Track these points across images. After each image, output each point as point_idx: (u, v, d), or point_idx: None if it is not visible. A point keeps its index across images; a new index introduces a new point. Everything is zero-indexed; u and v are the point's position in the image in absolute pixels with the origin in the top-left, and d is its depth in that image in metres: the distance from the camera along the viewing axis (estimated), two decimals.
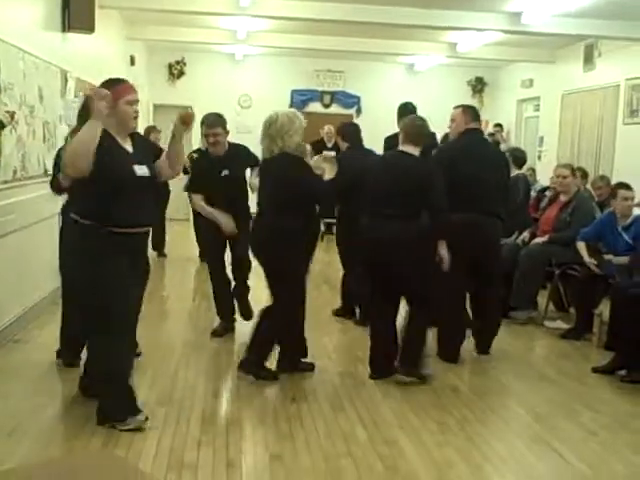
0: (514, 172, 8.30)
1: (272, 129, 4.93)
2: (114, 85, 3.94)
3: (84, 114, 4.25)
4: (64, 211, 4.78)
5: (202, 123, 5.85)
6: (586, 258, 6.43)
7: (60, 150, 5.02)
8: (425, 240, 4.98)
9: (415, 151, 5.10)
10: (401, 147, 5.17)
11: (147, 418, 4.10)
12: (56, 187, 4.97)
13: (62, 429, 4.08)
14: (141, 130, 10.39)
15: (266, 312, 5.07)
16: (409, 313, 5.17)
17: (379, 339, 5.20)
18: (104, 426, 4.04)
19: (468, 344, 5.83)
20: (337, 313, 6.94)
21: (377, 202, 5.05)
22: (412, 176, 4.96)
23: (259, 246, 5.03)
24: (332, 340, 6.16)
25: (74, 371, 4.85)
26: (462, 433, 4.29)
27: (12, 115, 4.99)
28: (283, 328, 5.06)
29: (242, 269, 6.08)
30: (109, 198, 3.87)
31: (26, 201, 6.11)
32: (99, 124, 3.76)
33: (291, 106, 14.87)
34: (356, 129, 6.95)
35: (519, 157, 8.19)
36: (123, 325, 4.02)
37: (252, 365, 5.02)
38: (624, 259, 6.23)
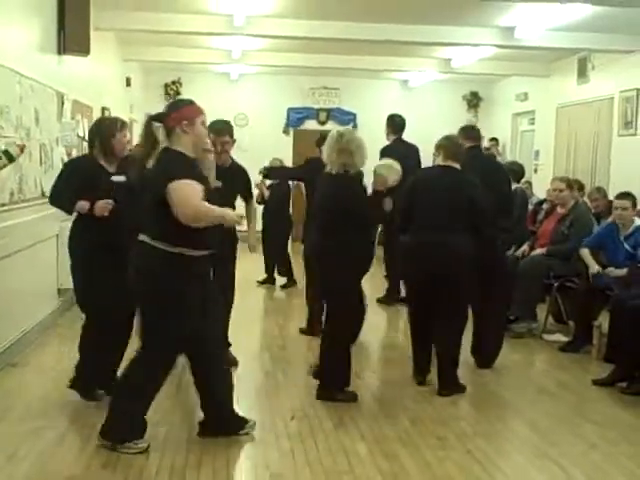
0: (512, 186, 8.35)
1: (353, 145, 4.91)
2: (188, 105, 4.11)
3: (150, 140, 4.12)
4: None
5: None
6: (592, 265, 6.44)
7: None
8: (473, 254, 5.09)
9: (458, 167, 5.26)
10: (445, 163, 5.28)
11: (149, 445, 4.09)
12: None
13: (62, 452, 4.05)
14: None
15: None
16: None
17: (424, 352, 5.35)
18: (104, 443, 4.03)
19: (468, 358, 5.82)
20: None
21: (429, 217, 5.14)
22: (463, 191, 5.13)
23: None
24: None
25: (73, 394, 4.84)
26: (462, 447, 4.28)
27: (22, 148, 4.89)
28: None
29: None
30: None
31: (23, 223, 6.11)
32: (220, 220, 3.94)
33: (287, 124, 14.95)
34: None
35: (517, 171, 8.21)
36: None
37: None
38: (622, 271, 6.24)
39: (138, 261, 3.99)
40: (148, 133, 4.07)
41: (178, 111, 4.05)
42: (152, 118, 4.12)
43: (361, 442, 4.27)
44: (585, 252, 6.57)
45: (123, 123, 4.92)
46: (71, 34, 7.50)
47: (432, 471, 3.95)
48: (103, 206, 4.63)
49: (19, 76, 6.03)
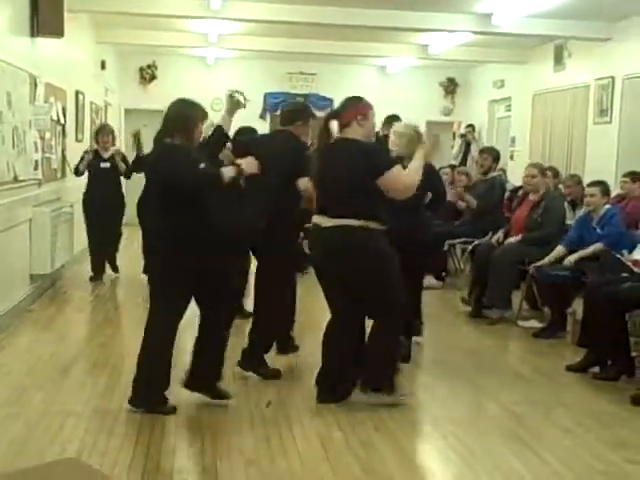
0: (491, 173, 8.41)
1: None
2: (362, 102, 4.65)
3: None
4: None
5: None
6: (547, 258, 6.51)
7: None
8: None
9: None
10: None
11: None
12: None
13: (35, 439, 4.01)
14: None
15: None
16: None
17: None
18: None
19: (458, 341, 5.84)
20: None
21: None
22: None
23: None
24: (309, 345, 6.13)
25: (49, 381, 4.82)
26: (437, 433, 4.31)
27: None
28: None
29: None
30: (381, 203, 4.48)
31: None
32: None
33: (264, 109, 14.87)
34: None
35: (495, 157, 8.33)
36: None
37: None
38: (580, 253, 6.29)
39: (344, 241, 4.43)
40: (326, 128, 4.62)
41: (355, 107, 4.59)
42: (330, 116, 4.70)
43: (337, 429, 4.27)
44: (559, 250, 6.58)
45: (205, 113, 4.66)
46: (44, 16, 7.37)
47: (408, 457, 3.96)
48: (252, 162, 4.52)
49: None
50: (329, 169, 4.57)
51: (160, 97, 14.07)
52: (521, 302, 7.16)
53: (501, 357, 6.19)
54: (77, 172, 8.40)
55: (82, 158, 8.37)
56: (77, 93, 9.67)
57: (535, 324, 6.79)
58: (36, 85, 7.34)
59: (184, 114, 4.51)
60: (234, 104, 4.86)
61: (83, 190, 8.43)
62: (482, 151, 8.93)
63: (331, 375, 4.70)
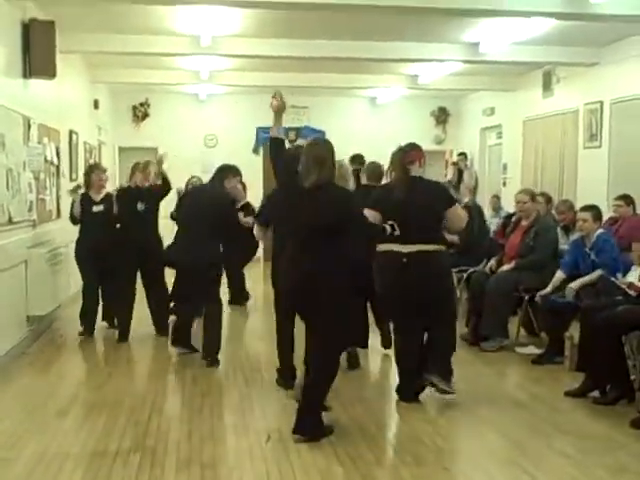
0: (464, 200, 8.49)
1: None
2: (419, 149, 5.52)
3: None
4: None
5: None
6: (548, 287, 6.51)
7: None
8: None
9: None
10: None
11: None
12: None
13: None
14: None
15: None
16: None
17: None
18: None
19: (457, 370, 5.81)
20: None
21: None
22: None
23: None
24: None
25: (46, 424, 4.78)
26: (439, 465, 4.28)
27: None
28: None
29: None
30: None
31: None
32: None
33: (257, 144, 14.95)
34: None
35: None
36: None
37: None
38: (580, 281, 6.29)
39: (435, 266, 5.20)
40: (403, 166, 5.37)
41: (418, 151, 5.49)
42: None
43: (337, 463, 4.24)
44: (559, 276, 6.58)
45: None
46: (36, 57, 7.44)
47: None
48: None
49: None
50: (412, 201, 5.18)
51: (153, 134, 14.28)
52: (518, 329, 7.15)
53: (500, 385, 6.18)
54: (74, 219, 7.70)
55: (73, 202, 7.75)
56: (71, 133, 9.72)
57: (533, 350, 6.78)
58: (29, 126, 7.39)
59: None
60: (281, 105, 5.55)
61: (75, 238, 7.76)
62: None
63: (412, 380, 5.36)
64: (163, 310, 7.28)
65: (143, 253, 7.22)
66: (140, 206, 7.36)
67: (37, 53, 7.47)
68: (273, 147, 5.31)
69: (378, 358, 6.77)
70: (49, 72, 7.65)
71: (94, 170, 7.91)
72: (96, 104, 11.93)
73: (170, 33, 9.05)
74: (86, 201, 7.62)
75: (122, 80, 12.11)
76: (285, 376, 5.66)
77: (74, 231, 8.10)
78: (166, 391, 5.72)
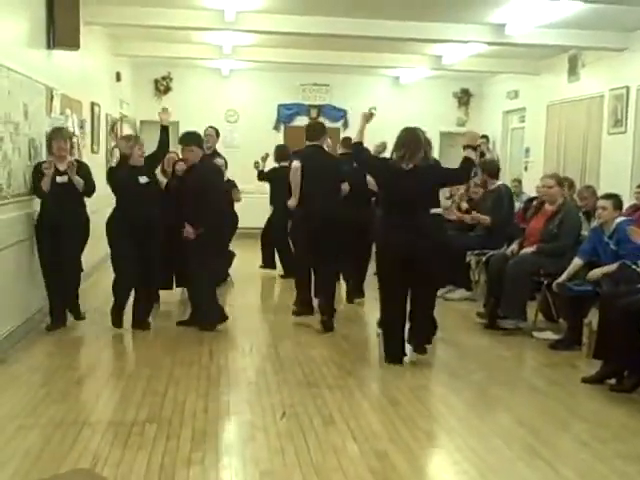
0: (494, 183, 8.43)
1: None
2: None
3: None
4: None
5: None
6: (565, 274, 6.45)
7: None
8: None
9: None
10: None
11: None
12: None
13: (48, 452, 4.01)
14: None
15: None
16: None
17: None
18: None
19: (474, 353, 5.82)
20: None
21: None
22: None
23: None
24: (321, 353, 6.14)
25: (62, 393, 4.84)
26: (452, 445, 4.28)
27: None
28: None
29: None
30: None
31: (11, 219, 6.07)
32: None
33: (278, 120, 14.92)
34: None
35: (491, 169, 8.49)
36: None
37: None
38: (601, 270, 6.21)
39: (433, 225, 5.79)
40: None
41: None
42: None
43: (351, 440, 4.25)
44: (576, 262, 6.50)
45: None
46: (61, 28, 7.44)
47: (423, 469, 3.94)
48: None
49: (7, 70, 5.98)
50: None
51: (175, 108, 14.20)
52: (536, 314, 7.12)
53: (517, 369, 6.16)
54: (39, 191, 6.54)
55: (38, 174, 6.51)
56: (93, 105, 9.73)
57: (551, 335, 6.75)
58: (52, 97, 7.40)
59: None
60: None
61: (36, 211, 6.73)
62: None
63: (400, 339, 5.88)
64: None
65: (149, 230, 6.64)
66: (142, 179, 6.69)
67: (61, 24, 7.46)
68: (356, 152, 6.26)
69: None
70: (73, 43, 7.65)
71: (55, 137, 6.81)
72: (118, 77, 11.93)
73: (194, 7, 9.02)
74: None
75: (145, 53, 12.08)
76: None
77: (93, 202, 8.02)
78: (184, 362, 5.73)
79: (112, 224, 6.66)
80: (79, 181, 6.62)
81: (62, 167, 6.57)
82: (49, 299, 6.68)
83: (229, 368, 5.66)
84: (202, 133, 7.70)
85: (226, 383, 5.29)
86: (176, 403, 4.79)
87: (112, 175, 6.99)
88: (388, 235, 5.81)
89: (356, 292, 8.21)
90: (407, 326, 5.89)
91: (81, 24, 7.71)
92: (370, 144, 6.76)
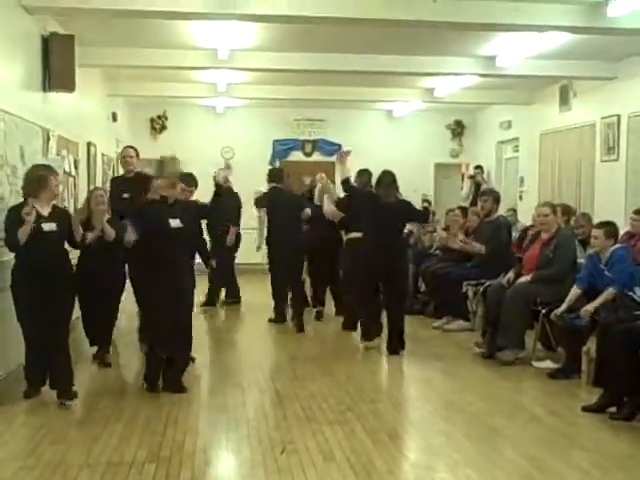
0: (493, 215, 8.45)
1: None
2: None
3: None
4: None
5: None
6: (564, 304, 6.43)
7: None
8: None
9: None
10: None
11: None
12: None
13: None
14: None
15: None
16: None
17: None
18: None
19: (473, 383, 5.79)
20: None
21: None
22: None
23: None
24: (321, 389, 6.11)
25: (60, 436, 4.85)
26: (454, 478, 4.25)
27: None
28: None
29: None
30: None
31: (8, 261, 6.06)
32: None
33: (273, 156, 15.02)
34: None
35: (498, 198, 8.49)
36: None
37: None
38: (593, 304, 6.18)
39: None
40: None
41: None
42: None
43: (352, 476, 4.22)
44: (574, 292, 6.46)
45: None
46: (56, 71, 7.54)
47: None
48: None
49: (3, 113, 6.05)
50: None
51: (171, 146, 14.31)
52: (535, 343, 7.11)
53: (516, 399, 6.13)
54: (15, 245, 5.32)
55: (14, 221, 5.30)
56: (89, 145, 9.81)
57: (550, 364, 6.74)
58: (49, 138, 7.47)
59: None
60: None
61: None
62: (482, 194, 8.98)
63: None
64: None
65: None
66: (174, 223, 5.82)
67: (57, 67, 7.56)
68: (347, 187, 7.68)
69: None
70: (68, 85, 7.74)
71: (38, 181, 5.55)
72: (114, 117, 12.03)
73: (187, 47, 9.13)
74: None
75: (140, 93, 12.21)
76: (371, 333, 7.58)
77: None
78: (181, 403, 5.70)
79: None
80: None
81: (46, 212, 5.51)
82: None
83: (227, 404, 5.63)
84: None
85: (225, 420, 5.26)
86: (175, 442, 4.76)
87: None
88: (369, 250, 7.32)
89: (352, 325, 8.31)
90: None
91: (76, 66, 7.81)
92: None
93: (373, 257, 7.24)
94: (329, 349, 7.75)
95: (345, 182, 7.54)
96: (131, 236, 5.70)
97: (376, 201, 7.32)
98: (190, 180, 6.88)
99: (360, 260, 7.44)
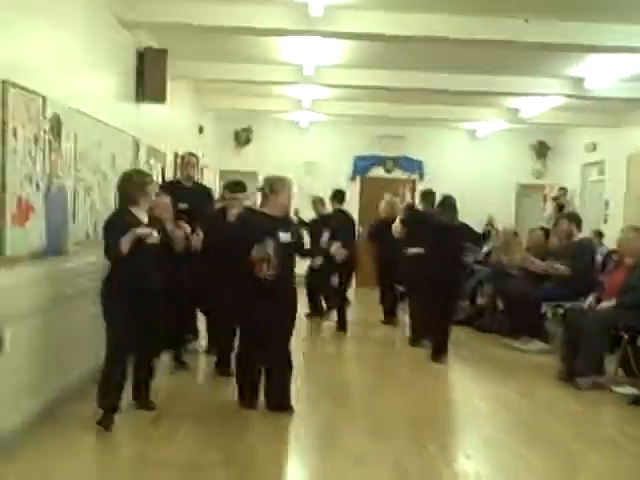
0: (577, 236, 8.32)
1: None
2: None
3: None
4: None
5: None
6: None
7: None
8: None
9: None
10: None
11: None
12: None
13: None
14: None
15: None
16: None
17: None
18: None
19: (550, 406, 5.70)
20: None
21: None
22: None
23: None
24: (392, 402, 6.10)
25: (110, 452, 4.94)
26: None
27: None
28: None
29: None
30: None
31: (92, 264, 6.19)
32: None
33: (354, 172, 15.11)
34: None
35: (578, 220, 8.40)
36: None
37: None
38: None
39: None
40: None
41: None
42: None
43: None
44: None
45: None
46: (149, 83, 7.81)
47: None
48: None
49: (98, 122, 6.31)
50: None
51: (254, 159, 14.64)
52: (616, 367, 6.94)
53: (595, 424, 5.99)
54: (119, 253, 4.94)
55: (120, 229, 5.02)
56: (176, 155, 10.08)
57: (630, 390, 6.57)
58: (138, 147, 7.73)
59: None
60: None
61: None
62: (561, 216, 8.90)
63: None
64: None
65: None
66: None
67: (150, 79, 7.82)
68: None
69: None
70: (160, 97, 8.00)
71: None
72: (201, 129, 12.33)
73: (274, 62, 9.30)
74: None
75: (227, 106, 12.48)
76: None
77: None
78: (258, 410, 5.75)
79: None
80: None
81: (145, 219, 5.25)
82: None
83: (301, 413, 5.63)
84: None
85: (296, 429, 5.32)
86: (250, 448, 4.84)
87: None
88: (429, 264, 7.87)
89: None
90: None
91: (168, 79, 8.07)
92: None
93: (432, 270, 7.70)
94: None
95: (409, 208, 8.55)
96: (198, 243, 6.12)
97: (437, 221, 7.87)
98: (233, 186, 6.84)
99: (420, 272, 7.98)
